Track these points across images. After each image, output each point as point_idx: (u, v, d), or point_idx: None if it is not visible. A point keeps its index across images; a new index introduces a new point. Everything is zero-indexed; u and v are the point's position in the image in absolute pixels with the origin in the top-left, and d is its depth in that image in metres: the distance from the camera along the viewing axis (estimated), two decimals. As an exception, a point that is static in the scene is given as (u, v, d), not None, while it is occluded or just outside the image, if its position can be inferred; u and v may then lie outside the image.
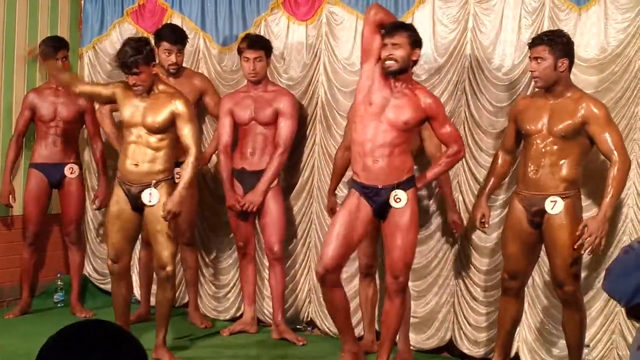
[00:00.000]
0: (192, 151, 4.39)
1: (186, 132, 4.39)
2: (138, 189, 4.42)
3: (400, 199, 4.05)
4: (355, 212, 4.12)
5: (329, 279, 4.13)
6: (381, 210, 4.11)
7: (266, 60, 4.94)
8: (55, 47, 5.36)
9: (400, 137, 4.07)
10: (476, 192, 4.62)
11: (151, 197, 4.40)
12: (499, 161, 4.36)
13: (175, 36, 5.08)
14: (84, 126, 5.58)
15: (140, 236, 5.38)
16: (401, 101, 4.06)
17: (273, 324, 5.08)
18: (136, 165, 4.40)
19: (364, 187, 4.12)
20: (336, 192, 4.86)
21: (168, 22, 5.56)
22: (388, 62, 4.03)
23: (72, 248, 5.60)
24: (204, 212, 5.55)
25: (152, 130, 4.38)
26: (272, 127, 4.93)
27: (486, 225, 4.37)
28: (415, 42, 4.08)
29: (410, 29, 4.11)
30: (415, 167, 4.37)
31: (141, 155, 4.41)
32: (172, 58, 5.04)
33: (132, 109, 4.40)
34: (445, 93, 4.76)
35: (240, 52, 4.96)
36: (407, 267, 4.13)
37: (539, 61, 4.02)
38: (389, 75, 4.06)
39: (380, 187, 4.08)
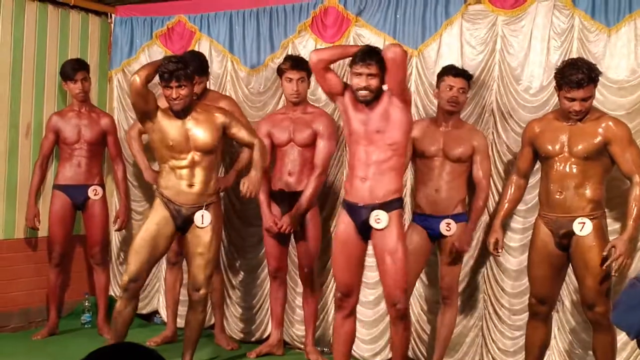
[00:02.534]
0: (256, 142, 4.46)
1: (243, 134, 4.45)
2: (190, 211, 4.38)
3: (380, 220, 3.94)
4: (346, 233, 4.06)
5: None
6: (364, 230, 4.01)
7: (307, 81, 4.93)
8: (74, 69, 5.43)
9: (387, 154, 3.96)
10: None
11: (203, 218, 4.37)
12: (513, 186, 4.34)
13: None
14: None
15: (166, 257, 5.41)
16: (379, 117, 3.96)
17: (304, 344, 5.09)
18: (191, 186, 4.37)
19: (349, 204, 4.05)
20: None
21: (195, 46, 5.62)
22: (363, 92, 3.92)
23: (97, 269, 5.61)
24: (231, 233, 5.55)
25: (204, 151, 4.37)
26: (311, 148, 4.89)
27: (500, 250, 4.34)
28: (384, 67, 3.92)
29: (380, 54, 3.95)
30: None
31: (196, 176, 4.37)
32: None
33: (177, 131, 4.34)
34: (474, 115, 4.75)
35: (281, 72, 4.94)
36: (404, 292, 3.97)
37: (587, 99, 3.95)
38: (362, 103, 3.97)
39: (361, 205, 3.99)
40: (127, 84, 5.93)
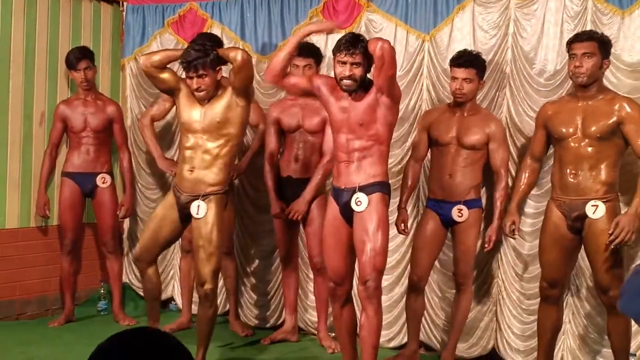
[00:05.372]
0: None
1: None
2: (188, 199, 4.22)
3: (360, 202, 3.87)
4: (333, 221, 4.02)
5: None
6: (347, 214, 3.95)
7: (316, 68, 4.89)
8: (77, 58, 5.43)
9: (368, 143, 3.89)
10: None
11: (199, 209, 4.18)
12: (528, 170, 4.33)
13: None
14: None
15: (180, 245, 5.43)
16: (364, 111, 3.89)
17: (317, 330, 5.10)
18: (191, 171, 4.21)
19: (335, 189, 4.02)
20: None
21: (208, 31, 5.60)
22: (347, 82, 3.82)
23: (110, 257, 5.63)
24: (245, 220, 5.57)
25: (210, 132, 4.17)
26: (319, 135, 4.89)
27: (516, 233, 4.32)
28: (369, 55, 3.77)
29: (364, 42, 3.83)
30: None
31: (197, 161, 4.19)
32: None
33: (193, 112, 4.19)
34: (487, 99, 4.73)
35: None
36: (377, 271, 3.83)
37: (588, 57, 3.96)
38: (346, 92, 3.89)
39: (343, 188, 3.96)
40: (140, 72, 5.95)
